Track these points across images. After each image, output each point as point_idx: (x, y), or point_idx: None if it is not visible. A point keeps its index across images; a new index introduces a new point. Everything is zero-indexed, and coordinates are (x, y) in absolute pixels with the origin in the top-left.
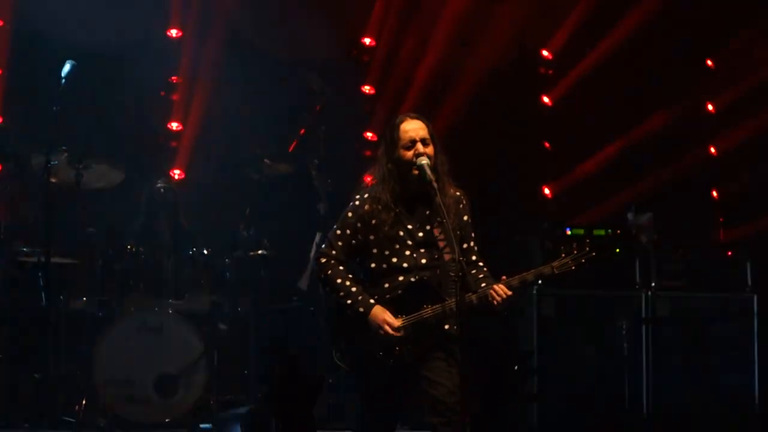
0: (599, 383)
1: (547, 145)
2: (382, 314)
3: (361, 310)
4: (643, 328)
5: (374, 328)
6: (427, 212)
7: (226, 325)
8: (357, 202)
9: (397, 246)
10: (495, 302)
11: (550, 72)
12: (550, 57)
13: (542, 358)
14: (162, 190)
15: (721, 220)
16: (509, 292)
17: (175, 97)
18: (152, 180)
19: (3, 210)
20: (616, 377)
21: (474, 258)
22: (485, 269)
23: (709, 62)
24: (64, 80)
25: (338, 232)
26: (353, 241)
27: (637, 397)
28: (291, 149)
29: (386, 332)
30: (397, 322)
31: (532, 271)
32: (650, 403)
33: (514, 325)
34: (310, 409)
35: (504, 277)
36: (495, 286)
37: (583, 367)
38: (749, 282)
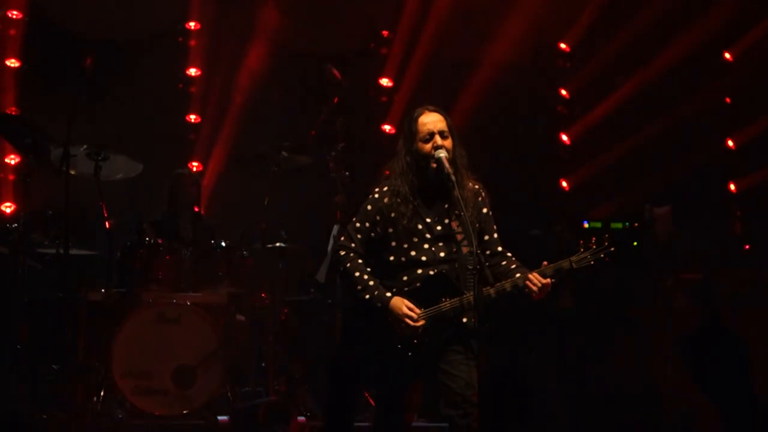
0: (618, 375)
1: (564, 137)
2: (401, 306)
3: (379, 304)
4: (664, 320)
5: (395, 321)
6: (446, 205)
7: (244, 316)
8: (376, 195)
9: (416, 239)
10: (533, 291)
11: (568, 65)
12: (568, 50)
13: (561, 351)
14: (185, 182)
15: (738, 213)
16: (545, 281)
17: (193, 89)
18: (175, 172)
19: (22, 202)
20: (636, 369)
21: (499, 249)
22: (513, 258)
23: (727, 55)
24: None
25: (357, 224)
26: (372, 234)
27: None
28: (309, 141)
29: (406, 324)
30: (417, 312)
31: (551, 265)
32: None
33: (531, 318)
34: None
35: (545, 263)
36: (530, 276)
37: (601, 359)
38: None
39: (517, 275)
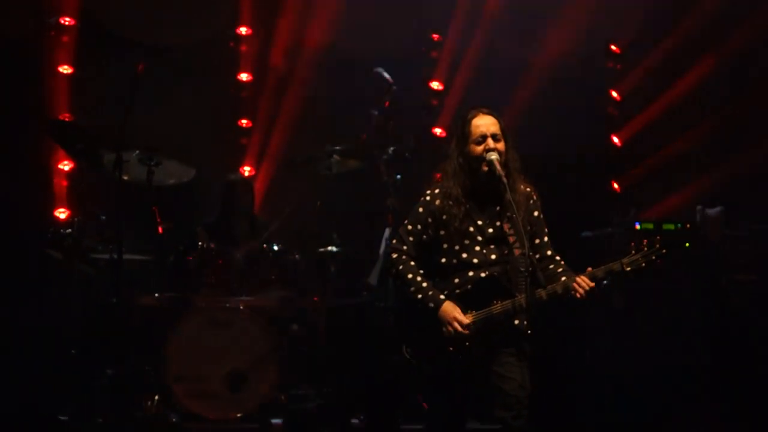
0: (669, 375)
1: (615, 139)
2: (452, 311)
3: (431, 305)
4: (713, 321)
5: (443, 325)
6: (497, 208)
7: (297, 325)
8: (428, 197)
9: (467, 241)
10: (578, 295)
11: (619, 66)
12: (618, 51)
13: (612, 351)
14: (239, 188)
15: None
16: (592, 284)
17: (244, 94)
18: (228, 177)
19: (75, 207)
20: (687, 370)
21: (549, 252)
22: (562, 262)
23: None
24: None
25: (409, 227)
26: (424, 236)
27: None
28: (360, 145)
29: (455, 329)
30: (466, 319)
31: (602, 267)
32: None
33: (583, 318)
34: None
35: (590, 269)
36: (578, 279)
37: (653, 359)
38: None
39: (563, 278)
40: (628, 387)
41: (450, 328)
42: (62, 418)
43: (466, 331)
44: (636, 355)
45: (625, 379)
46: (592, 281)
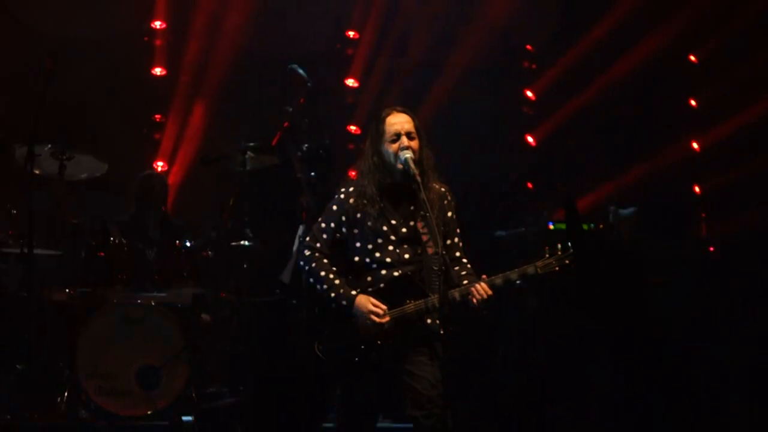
0: (585, 376)
1: (530, 139)
2: (366, 303)
3: (344, 303)
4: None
5: (360, 318)
6: (411, 207)
7: (209, 315)
8: (342, 196)
9: (381, 240)
10: (474, 300)
11: (534, 66)
12: (534, 51)
13: (527, 350)
14: (153, 183)
15: (702, 215)
16: (490, 292)
17: (158, 89)
18: (142, 173)
19: None
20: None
21: (458, 254)
22: (469, 266)
23: (692, 57)
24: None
25: (323, 225)
26: (337, 234)
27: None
28: (274, 142)
29: (372, 321)
30: (383, 308)
31: (516, 270)
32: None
33: (499, 317)
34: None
35: (484, 276)
36: (477, 285)
37: (566, 360)
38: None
39: (465, 283)
40: (541, 387)
41: (368, 321)
42: None
43: (385, 319)
44: (549, 355)
45: (537, 379)
46: (490, 289)
